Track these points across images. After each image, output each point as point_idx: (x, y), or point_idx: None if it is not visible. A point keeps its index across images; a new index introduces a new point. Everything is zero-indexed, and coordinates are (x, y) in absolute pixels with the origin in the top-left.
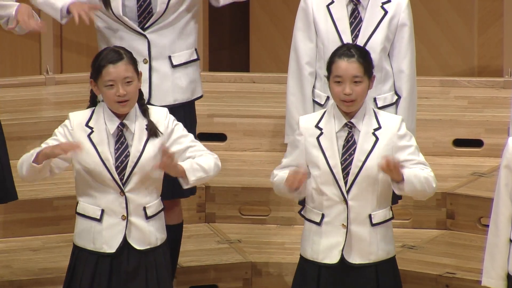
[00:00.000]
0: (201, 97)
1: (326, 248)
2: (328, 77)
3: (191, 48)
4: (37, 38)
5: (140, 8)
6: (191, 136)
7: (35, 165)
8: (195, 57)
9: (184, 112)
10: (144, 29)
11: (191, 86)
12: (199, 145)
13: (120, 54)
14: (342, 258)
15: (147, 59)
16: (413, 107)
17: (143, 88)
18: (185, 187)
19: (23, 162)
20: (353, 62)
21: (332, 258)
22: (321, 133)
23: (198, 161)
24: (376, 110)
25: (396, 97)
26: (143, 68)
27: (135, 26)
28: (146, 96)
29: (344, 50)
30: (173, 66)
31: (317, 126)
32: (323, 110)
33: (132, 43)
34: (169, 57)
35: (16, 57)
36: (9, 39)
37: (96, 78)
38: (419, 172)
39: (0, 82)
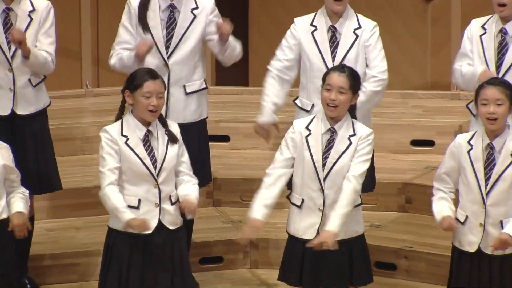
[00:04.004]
0: (206, 117)
1: (305, 227)
2: (322, 85)
3: (201, 79)
4: (78, 59)
5: (168, 35)
6: (186, 155)
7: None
8: (204, 86)
9: (198, 130)
10: (168, 57)
11: (199, 109)
12: (188, 165)
13: (157, 74)
14: (317, 235)
15: (166, 85)
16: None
17: None
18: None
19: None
20: (343, 76)
21: (310, 235)
22: (310, 134)
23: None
24: (355, 120)
25: None
26: None
27: (164, 53)
28: (163, 113)
29: (339, 67)
30: (186, 94)
31: (307, 128)
32: (312, 116)
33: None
34: (184, 86)
35: (61, 75)
36: (56, 59)
37: (134, 89)
38: (343, 209)
39: (52, 95)
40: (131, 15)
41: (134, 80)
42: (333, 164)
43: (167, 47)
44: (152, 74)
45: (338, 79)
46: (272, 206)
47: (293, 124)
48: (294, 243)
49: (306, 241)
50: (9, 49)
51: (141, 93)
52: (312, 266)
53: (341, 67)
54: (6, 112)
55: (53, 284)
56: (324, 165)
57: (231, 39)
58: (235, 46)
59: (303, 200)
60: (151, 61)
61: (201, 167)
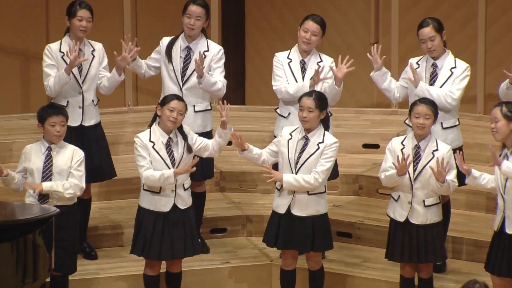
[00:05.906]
0: (211, 131)
1: (281, 204)
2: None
3: (207, 102)
4: (122, 85)
5: (184, 69)
6: (200, 137)
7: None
8: (209, 108)
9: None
10: (183, 84)
11: (203, 123)
12: (201, 138)
13: (182, 98)
14: (289, 211)
15: (187, 107)
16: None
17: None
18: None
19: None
20: (310, 99)
21: (282, 210)
22: (291, 138)
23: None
24: (326, 132)
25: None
26: None
27: (180, 80)
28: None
29: (308, 92)
30: (195, 112)
31: (290, 134)
32: (297, 126)
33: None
34: (194, 106)
35: (110, 97)
36: None
37: (163, 104)
38: (297, 182)
39: (102, 111)
40: (160, 49)
41: (166, 98)
42: (303, 163)
43: (182, 77)
44: (179, 97)
45: (307, 101)
46: (255, 153)
47: (283, 130)
48: (274, 216)
49: (281, 214)
50: (80, 76)
51: (167, 107)
52: (283, 233)
53: (310, 93)
54: (76, 123)
55: (106, 248)
56: (296, 162)
57: (209, 77)
58: (212, 84)
59: (281, 185)
60: (172, 86)
61: (206, 166)
